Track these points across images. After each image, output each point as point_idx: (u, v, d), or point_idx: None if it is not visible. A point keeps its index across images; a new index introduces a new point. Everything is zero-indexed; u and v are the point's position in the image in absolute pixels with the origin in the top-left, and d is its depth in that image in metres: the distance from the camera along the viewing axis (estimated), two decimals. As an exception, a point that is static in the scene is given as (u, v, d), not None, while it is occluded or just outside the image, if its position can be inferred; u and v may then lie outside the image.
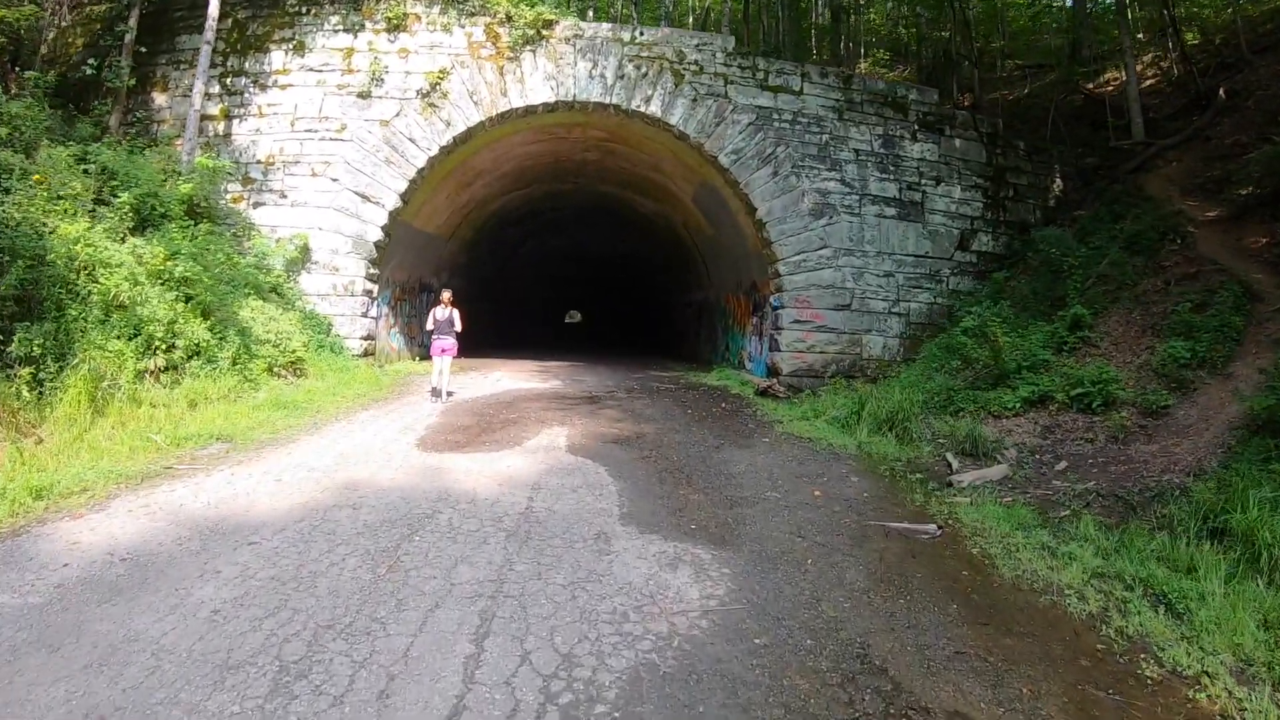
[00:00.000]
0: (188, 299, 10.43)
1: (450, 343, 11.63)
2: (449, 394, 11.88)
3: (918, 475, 8.10)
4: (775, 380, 14.17)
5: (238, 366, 10.62)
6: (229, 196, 14.12)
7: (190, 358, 9.98)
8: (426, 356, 12.21)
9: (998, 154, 16.18)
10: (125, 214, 11.35)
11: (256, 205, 14.14)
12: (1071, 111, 18.37)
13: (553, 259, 35.42)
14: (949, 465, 8.35)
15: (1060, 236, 13.31)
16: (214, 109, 14.47)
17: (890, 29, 28.77)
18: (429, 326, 11.97)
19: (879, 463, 8.69)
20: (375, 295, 14.59)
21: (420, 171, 14.08)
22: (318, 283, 13.85)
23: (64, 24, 16.76)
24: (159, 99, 14.86)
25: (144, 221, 11.88)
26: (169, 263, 10.37)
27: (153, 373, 9.51)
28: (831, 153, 15.10)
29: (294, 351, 11.87)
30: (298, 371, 12.02)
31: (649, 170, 18.06)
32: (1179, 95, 17.64)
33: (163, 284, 10.22)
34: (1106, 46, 21.66)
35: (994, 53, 24.37)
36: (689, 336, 24.38)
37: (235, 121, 14.45)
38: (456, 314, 11.86)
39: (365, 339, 14.04)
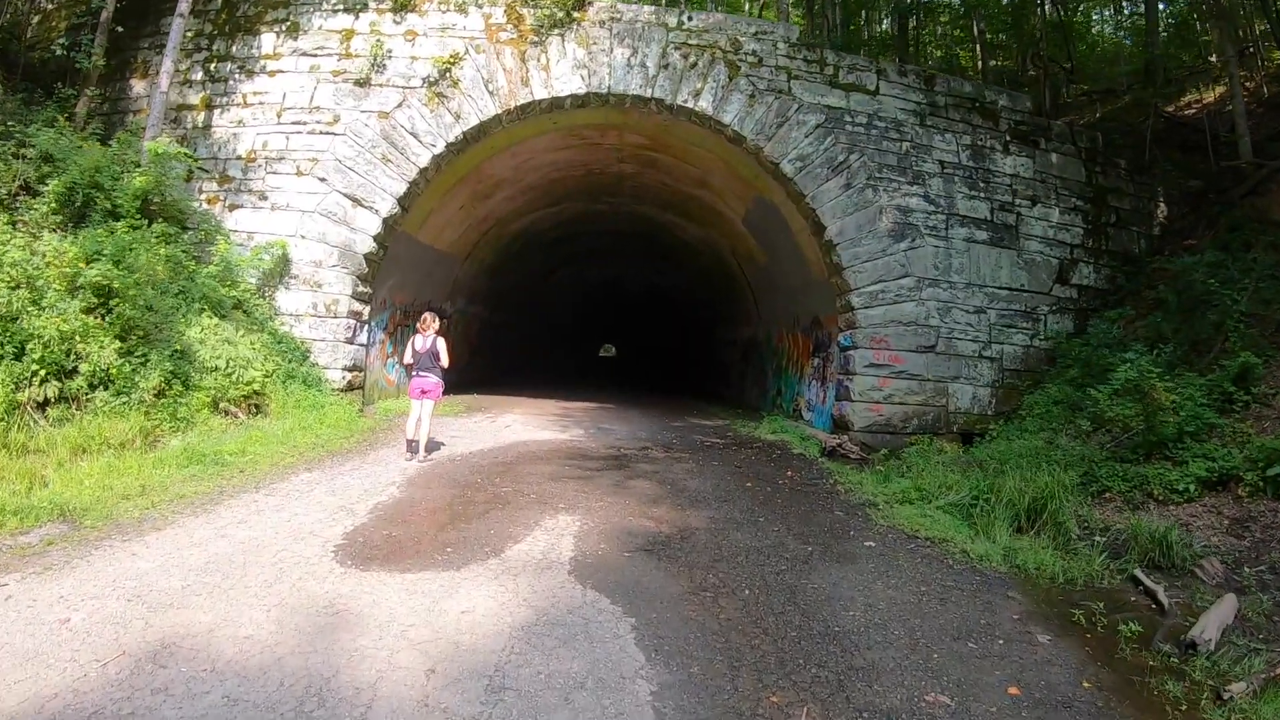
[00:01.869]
0: (106, 312, 8.20)
1: (433, 381, 8.92)
2: (435, 446, 9.35)
3: (1130, 624, 5.06)
4: (845, 437, 11.42)
5: (166, 400, 8.32)
6: (204, 197, 12.05)
7: (96, 387, 7.71)
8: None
9: (1098, 173, 13.57)
10: (51, 205, 9.26)
11: (233, 208, 12.01)
12: (1154, 136, 15.89)
13: (587, 289, 33.21)
14: (1150, 596, 5.49)
15: (1218, 262, 10.62)
16: (194, 97, 12.50)
17: (947, 51, 26.47)
18: (406, 359, 9.40)
19: (1052, 593, 5.74)
20: (365, 318, 12.27)
21: (423, 172, 11.82)
22: (296, 300, 11.59)
23: (50, 6, 15.22)
24: (138, 86, 12.98)
25: (81, 216, 9.78)
26: (82, 265, 8.14)
27: (39, 405, 7.26)
28: (913, 164, 12.56)
29: (250, 383, 9.54)
30: (255, 408, 9.69)
31: (694, 187, 15.69)
32: (1273, 115, 15.15)
33: (72, 292, 8.00)
34: (1177, 71, 19.23)
35: (1059, 78, 21.98)
36: (732, 377, 21.75)
37: (217, 112, 12.43)
38: (442, 344, 9.13)
39: (349, 370, 11.68)
